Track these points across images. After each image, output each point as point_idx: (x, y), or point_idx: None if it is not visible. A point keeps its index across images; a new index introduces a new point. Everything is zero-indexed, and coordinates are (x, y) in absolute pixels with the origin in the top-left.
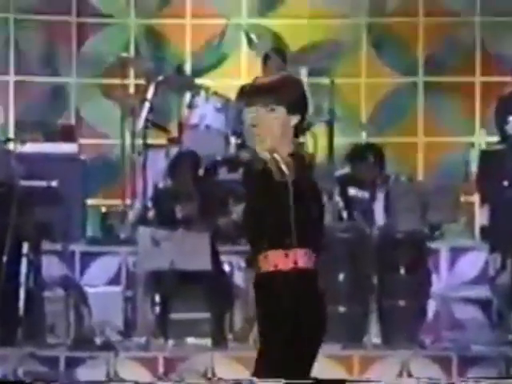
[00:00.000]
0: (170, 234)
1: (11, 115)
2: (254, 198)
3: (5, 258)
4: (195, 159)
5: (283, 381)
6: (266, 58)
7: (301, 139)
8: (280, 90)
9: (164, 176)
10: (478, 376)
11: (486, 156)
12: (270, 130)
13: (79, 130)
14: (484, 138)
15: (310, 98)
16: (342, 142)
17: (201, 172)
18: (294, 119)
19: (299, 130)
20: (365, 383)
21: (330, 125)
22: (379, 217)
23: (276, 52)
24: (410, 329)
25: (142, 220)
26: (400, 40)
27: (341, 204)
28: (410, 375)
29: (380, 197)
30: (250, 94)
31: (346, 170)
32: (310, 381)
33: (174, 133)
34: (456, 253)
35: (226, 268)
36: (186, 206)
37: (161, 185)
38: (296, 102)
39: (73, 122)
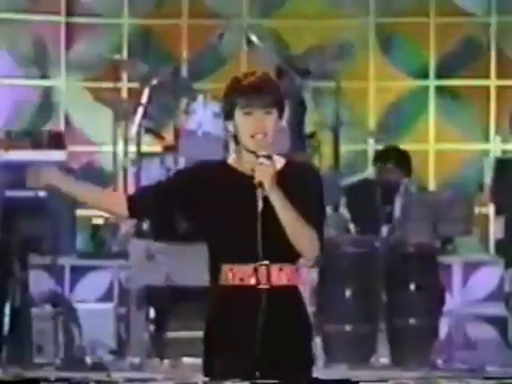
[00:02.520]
0: (165, 246)
1: None
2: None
3: None
4: None
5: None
6: (279, 73)
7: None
8: (274, 89)
9: None
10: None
11: (501, 164)
12: (269, 135)
13: (68, 136)
14: (499, 146)
15: (313, 103)
16: (348, 149)
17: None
18: (279, 125)
19: (297, 138)
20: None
21: (335, 131)
22: (394, 227)
23: (287, 63)
24: (421, 349)
25: (136, 232)
26: (410, 41)
27: (347, 216)
28: None
29: (397, 206)
30: (242, 93)
31: (355, 178)
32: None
33: (170, 140)
34: (469, 268)
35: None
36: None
37: None
38: (282, 104)
39: (62, 127)
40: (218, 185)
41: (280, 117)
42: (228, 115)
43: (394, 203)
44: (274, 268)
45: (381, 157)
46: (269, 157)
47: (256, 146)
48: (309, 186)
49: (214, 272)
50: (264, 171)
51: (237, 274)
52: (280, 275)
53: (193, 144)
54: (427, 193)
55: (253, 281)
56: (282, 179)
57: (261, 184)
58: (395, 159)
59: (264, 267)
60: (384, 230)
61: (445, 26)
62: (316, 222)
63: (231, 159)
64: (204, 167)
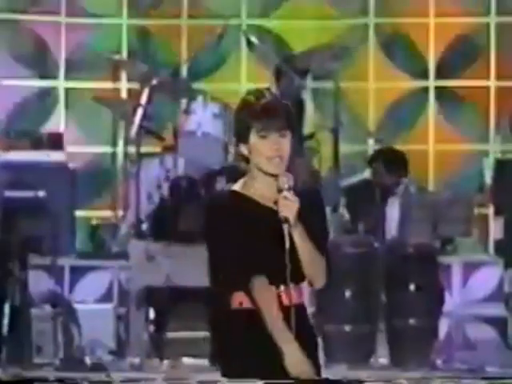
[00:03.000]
0: (165, 247)
1: None
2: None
3: None
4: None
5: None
6: (278, 73)
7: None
8: (286, 113)
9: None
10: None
11: (501, 165)
12: (286, 158)
13: (68, 136)
14: (499, 146)
15: (313, 103)
16: (347, 150)
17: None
18: (291, 143)
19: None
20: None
21: (335, 132)
22: (392, 228)
23: (287, 62)
24: (421, 349)
25: (136, 233)
26: (410, 42)
27: (347, 216)
28: None
29: (395, 207)
30: (260, 117)
31: (355, 178)
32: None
33: (169, 140)
34: (469, 268)
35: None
36: (187, 219)
37: (156, 195)
38: (295, 125)
39: (61, 128)
40: (245, 218)
41: (293, 137)
42: (242, 138)
43: (394, 204)
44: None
45: (373, 159)
46: (290, 188)
47: (274, 168)
48: (315, 213)
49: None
50: (289, 206)
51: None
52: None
53: (192, 144)
54: (427, 193)
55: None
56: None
57: (286, 219)
58: (386, 162)
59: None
60: (383, 230)
61: (445, 26)
62: (324, 250)
63: (241, 187)
64: (225, 204)
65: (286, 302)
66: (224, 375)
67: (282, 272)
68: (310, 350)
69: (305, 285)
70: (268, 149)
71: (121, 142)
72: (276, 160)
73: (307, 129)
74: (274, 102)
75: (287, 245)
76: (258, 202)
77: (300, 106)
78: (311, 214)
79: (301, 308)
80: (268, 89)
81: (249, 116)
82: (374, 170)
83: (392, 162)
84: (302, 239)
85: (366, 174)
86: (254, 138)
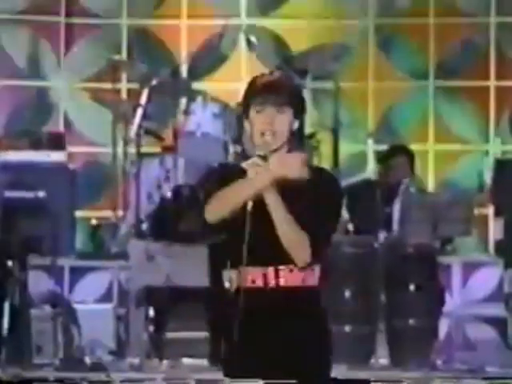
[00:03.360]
0: (165, 247)
1: None
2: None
3: None
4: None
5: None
6: None
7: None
8: (289, 89)
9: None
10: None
11: (501, 165)
12: (279, 133)
13: (68, 137)
14: (499, 147)
15: (312, 103)
16: (347, 150)
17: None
18: (296, 124)
19: (293, 138)
20: None
21: (334, 132)
22: (392, 228)
23: (287, 63)
24: (421, 349)
25: (135, 233)
26: (410, 42)
27: (347, 216)
28: None
29: (395, 206)
30: (256, 92)
31: (355, 178)
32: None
33: (169, 140)
34: (469, 268)
35: (226, 284)
36: (188, 218)
37: (156, 195)
38: (300, 105)
39: (61, 128)
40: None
41: (296, 117)
42: (245, 114)
43: (394, 204)
44: (284, 270)
45: (390, 153)
46: (264, 157)
47: (264, 144)
48: (320, 193)
49: (217, 276)
50: (255, 169)
51: (246, 276)
52: (291, 277)
53: (192, 145)
54: (427, 193)
55: (260, 283)
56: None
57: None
58: (405, 155)
59: (272, 269)
60: (383, 230)
61: (444, 26)
62: (313, 229)
63: (246, 163)
64: (226, 170)
65: (271, 282)
66: (226, 374)
67: (266, 251)
68: (317, 338)
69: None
70: (261, 122)
71: (121, 142)
72: (267, 137)
73: (308, 129)
74: (278, 79)
75: (248, 209)
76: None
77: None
78: (314, 193)
79: (303, 291)
80: (280, 68)
81: (250, 91)
82: (386, 167)
83: (407, 157)
84: (275, 205)
85: (367, 173)
86: (252, 112)
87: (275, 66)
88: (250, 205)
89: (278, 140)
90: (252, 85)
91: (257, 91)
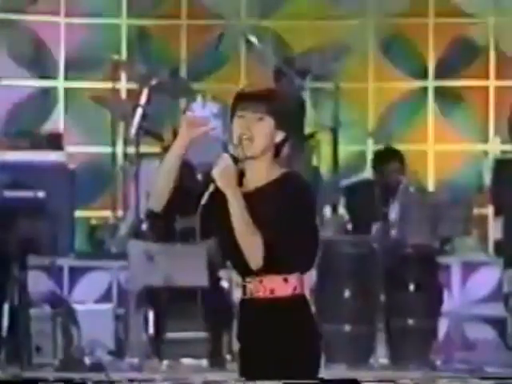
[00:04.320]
0: (164, 247)
1: None
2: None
3: None
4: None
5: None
6: (277, 74)
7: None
8: (271, 99)
9: None
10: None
11: (500, 165)
12: (257, 140)
13: (67, 137)
14: (498, 146)
15: (312, 103)
16: (347, 150)
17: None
18: (279, 135)
19: (280, 149)
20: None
21: (334, 132)
22: (391, 228)
23: (286, 63)
24: (420, 349)
25: (135, 233)
26: (409, 42)
27: (346, 216)
28: None
29: (395, 206)
30: (240, 99)
31: (355, 178)
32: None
33: (169, 140)
34: (468, 268)
35: (225, 284)
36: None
37: None
38: (285, 117)
39: (61, 128)
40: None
41: (280, 128)
42: (230, 121)
43: (393, 204)
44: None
45: (383, 157)
46: (234, 158)
47: (241, 149)
48: (287, 200)
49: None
50: (220, 167)
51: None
52: (263, 287)
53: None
54: (426, 193)
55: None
56: (269, 189)
57: (212, 181)
58: (398, 158)
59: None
60: (383, 230)
61: (444, 26)
62: (270, 234)
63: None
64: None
65: (248, 294)
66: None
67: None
68: (301, 347)
69: (297, 277)
70: (240, 126)
71: (120, 142)
72: (245, 141)
73: (307, 128)
74: (265, 89)
75: (202, 202)
76: None
77: (300, 106)
78: (282, 200)
79: (284, 300)
80: (280, 68)
81: (235, 99)
82: (381, 170)
83: (400, 160)
84: (234, 209)
85: (367, 173)
86: (235, 118)
87: (274, 67)
88: (204, 200)
89: (256, 146)
90: (239, 93)
91: (241, 99)
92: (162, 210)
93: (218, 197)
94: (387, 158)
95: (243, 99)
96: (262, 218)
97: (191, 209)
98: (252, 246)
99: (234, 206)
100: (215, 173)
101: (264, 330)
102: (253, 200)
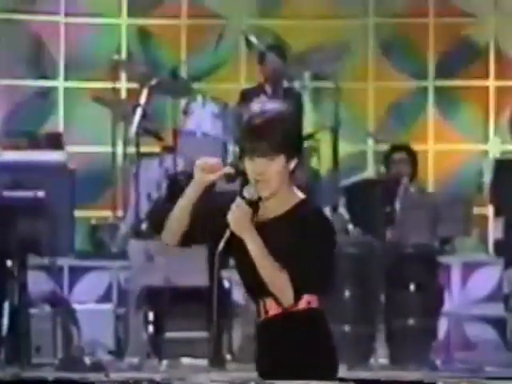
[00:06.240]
0: (164, 247)
1: None
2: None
3: None
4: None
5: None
6: (262, 58)
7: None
8: (279, 134)
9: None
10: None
11: (500, 165)
12: (272, 181)
13: (67, 137)
14: (498, 146)
15: (312, 103)
16: (347, 150)
17: None
18: (292, 163)
19: (294, 171)
20: None
21: (334, 132)
22: (391, 228)
23: (273, 50)
24: (420, 349)
25: (135, 233)
26: (409, 42)
27: (346, 216)
28: None
29: (397, 207)
30: (246, 139)
31: (355, 178)
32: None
33: (169, 140)
34: (468, 268)
35: (225, 284)
36: None
37: (156, 196)
38: (294, 146)
39: (60, 128)
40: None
41: (291, 158)
42: (241, 157)
43: (394, 204)
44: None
45: (393, 149)
46: (250, 202)
47: (259, 191)
48: (308, 233)
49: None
50: (235, 213)
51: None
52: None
53: (192, 145)
54: (426, 193)
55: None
56: (287, 218)
57: (226, 225)
58: (407, 154)
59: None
60: (383, 230)
61: (444, 26)
62: (297, 272)
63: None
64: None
65: (262, 315)
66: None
67: (256, 285)
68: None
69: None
70: (252, 171)
71: (120, 142)
72: (260, 183)
73: (307, 128)
74: (270, 121)
75: (219, 247)
76: None
77: (299, 105)
78: (302, 233)
79: (293, 316)
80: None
81: (242, 137)
82: (390, 162)
83: (409, 153)
84: (255, 254)
85: (367, 173)
86: (245, 158)
87: (258, 52)
88: (221, 245)
89: (272, 186)
90: (244, 128)
91: (248, 138)
92: (176, 244)
93: (235, 240)
94: (396, 149)
95: (251, 139)
96: (282, 246)
97: (206, 240)
98: (281, 285)
99: (254, 249)
100: (230, 219)
101: (281, 349)
102: (273, 229)
